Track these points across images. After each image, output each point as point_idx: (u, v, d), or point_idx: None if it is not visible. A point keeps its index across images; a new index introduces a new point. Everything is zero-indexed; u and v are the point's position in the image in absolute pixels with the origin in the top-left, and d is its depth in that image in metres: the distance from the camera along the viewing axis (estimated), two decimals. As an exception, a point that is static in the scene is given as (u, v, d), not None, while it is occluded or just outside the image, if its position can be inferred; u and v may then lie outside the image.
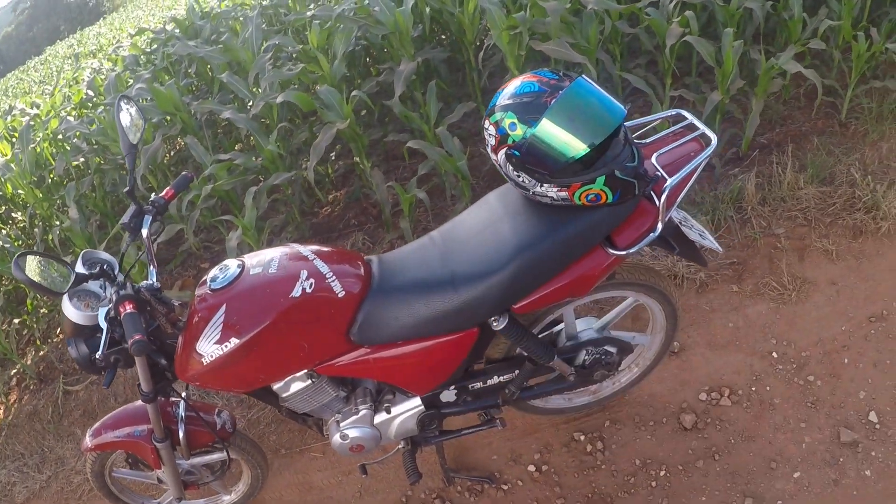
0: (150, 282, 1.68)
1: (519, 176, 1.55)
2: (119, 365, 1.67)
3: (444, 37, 4.26)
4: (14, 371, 3.96)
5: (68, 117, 4.31)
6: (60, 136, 4.24)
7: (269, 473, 2.39)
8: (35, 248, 3.75)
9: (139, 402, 2.07)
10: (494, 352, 1.92)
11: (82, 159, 3.99)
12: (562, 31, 2.93)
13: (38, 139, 4.10)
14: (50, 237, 4.06)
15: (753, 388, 2.26)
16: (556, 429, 2.33)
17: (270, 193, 3.23)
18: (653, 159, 1.64)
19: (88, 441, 2.04)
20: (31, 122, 4.02)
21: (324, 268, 1.62)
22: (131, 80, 4.37)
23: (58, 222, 3.85)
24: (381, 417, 1.90)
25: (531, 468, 2.25)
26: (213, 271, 1.68)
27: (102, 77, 4.99)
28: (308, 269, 1.61)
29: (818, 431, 2.10)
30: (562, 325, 1.99)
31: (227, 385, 1.72)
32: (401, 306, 1.62)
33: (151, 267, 1.72)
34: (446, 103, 3.61)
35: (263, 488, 2.42)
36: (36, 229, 3.79)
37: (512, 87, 1.53)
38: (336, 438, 1.87)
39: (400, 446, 2.05)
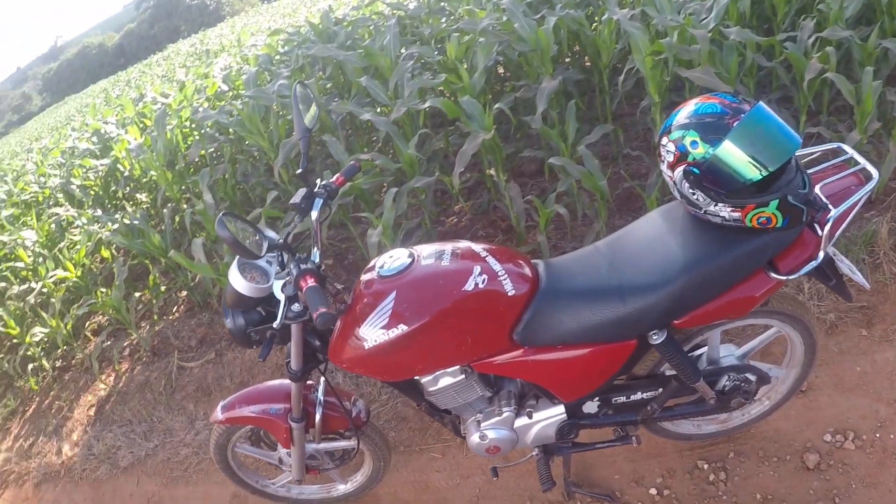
0: (315, 262, 1.70)
1: (694, 193, 1.57)
2: (274, 341, 1.73)
3: (576, 58, 4.28)
4: (127, 342, 4.18)
5: (200, 108, 4.59)
6: (193, 125, 4.50)
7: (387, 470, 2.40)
8: (164, 228, 3.99)
9: (276, 381, 2.14)
10: (639, 369, 1.95)
11: (213, 148, 4.23)
12: (706, 59, 2.93)
13: (171, 126, 4.38)
14: (177, 220, 4.32)
15: (878, 435, 2.21)
16: (681, 454, 2.33)
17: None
18: (816, 189, 1.64)
19: (220, 414, 2.06)
20: (167, 110, 4.29)
21: (496, 265, 1.68)
22: (269, 77, 4.61)
23: (185, 206, 4.08)
24: (521, 421, 1.94)
25: (653, 491, 2.25)
26: (382, 258, 1.73)
27: (235, 73, 5.26)
28: (481, 265, 1.67)
29: (947, 487, 2.04)
30: (704, 349, 2.01)
31: (379, 372, 1.77)
32: (567, 310, 1.67)
33: (316, 249, 1.74)
34: (580, 124, 3.63)
35: (380, 483, 2.45)
36: (165, 210, 4.04)
37: (691, 106, 1.56)
38: (474, 438, 1.92)
39: (534, 453, 2.09)
